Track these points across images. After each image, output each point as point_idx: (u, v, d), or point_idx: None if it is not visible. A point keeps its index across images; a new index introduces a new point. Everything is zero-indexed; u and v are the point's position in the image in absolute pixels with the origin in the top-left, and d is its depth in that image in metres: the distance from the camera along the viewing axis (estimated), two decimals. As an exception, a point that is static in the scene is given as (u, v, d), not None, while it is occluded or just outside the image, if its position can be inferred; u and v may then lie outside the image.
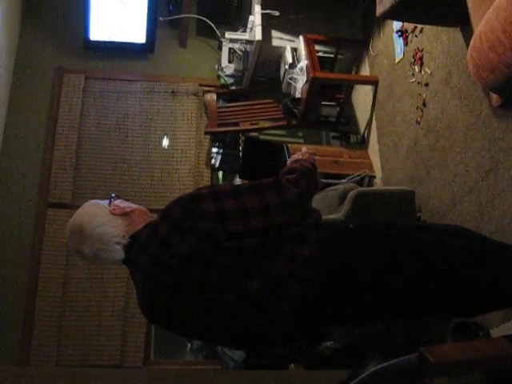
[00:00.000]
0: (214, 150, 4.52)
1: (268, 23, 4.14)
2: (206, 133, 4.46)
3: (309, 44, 4.00)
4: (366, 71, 4.34)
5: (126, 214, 1.60)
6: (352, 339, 2.70)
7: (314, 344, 2.38)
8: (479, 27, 1.76)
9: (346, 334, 2.73)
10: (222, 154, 4.50)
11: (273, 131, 4.51)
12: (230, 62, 4.51)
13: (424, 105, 3.30)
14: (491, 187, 2.60)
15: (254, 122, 4.36)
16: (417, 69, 3.40)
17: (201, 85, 4.70)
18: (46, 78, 4.59)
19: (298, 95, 4.03)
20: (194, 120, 4.60)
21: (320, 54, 4.17)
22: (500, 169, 2.54)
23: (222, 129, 4.34)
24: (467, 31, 2.77)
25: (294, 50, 4.16)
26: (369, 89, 4.20)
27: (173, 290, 1.48)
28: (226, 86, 4.61)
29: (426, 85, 3.27)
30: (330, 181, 3.74)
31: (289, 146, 3.46)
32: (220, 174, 4.53)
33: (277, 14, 4.14)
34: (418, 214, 3.21)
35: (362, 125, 4.35)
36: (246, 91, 4.59)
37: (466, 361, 1.15)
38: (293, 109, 4.15)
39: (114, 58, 4.75)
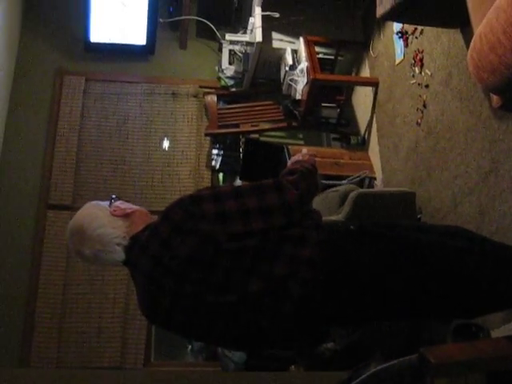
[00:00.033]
0: (215, 151, 4.52)
1: (268, 25, 4.14)
2: (206, 134, 4.46)
3: (309, 46, 4.00)
4: (366, 73, 4.34)
5: (126, 216, 1.60)
6: (352, 340, 2.69)
7: (315, 345, 2.37)
8: (479, 28, 1.76)
9: (347, 335, 2.72)
10: (223, 155, 4.50)
11: (273, 133, 4.50)
12: (230, 63, 4.52)
13: (424, 106, 3.30)
14: (492, 188, 2.60)
15: (254, 124, 4.36)
16: (417, 70, 3.40)
17: (201, 86, 4.69)
18: (46, 80, 4.59)
19: (298, 97, 4.04)
20: (195, 122, 4.59)
21: (320, 55, 4.18)
22: (500, 170, 2.54)
23: (223, 130, 4.34)
24: (467, 32, 2.77)
25: (295, 52, 4.17)
26: (369, 90, 4.21)
27: (173, 291, 1.49)
28: (226, 87, 4.61)
29: (427, 86, 3.27)
30: (330, 182, 3.73)
31: (289, 147, 3.47)
32: (220, 175, 4.53)
33: (277, 15, 4.15)
34: (419, 216, 3.21)
35: (363, 126, 4.35)
36: (246, 93, 4.59)
37: (466, 361, 1.15)
38: (293, 110, 4.15)
39: (114, 59, 4.75)
